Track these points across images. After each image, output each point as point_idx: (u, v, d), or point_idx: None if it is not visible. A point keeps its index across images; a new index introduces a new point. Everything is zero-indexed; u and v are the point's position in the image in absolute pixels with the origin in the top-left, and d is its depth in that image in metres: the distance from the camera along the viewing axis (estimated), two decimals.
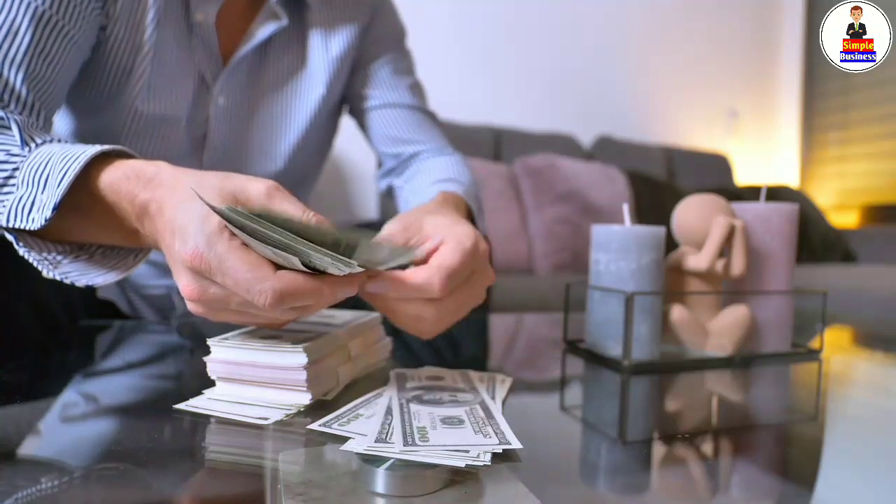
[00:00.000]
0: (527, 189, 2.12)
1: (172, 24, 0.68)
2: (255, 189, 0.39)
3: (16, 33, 0.56)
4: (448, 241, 0.45)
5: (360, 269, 0.36)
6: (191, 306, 0.39)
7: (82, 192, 0.45)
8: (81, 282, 0.48)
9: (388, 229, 0.47)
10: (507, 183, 2.13)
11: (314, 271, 0.36)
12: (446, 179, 0.76)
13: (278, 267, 0.36)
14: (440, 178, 0.76)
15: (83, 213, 0.46)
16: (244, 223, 0.34)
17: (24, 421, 0.40)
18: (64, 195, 0.44)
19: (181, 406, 0.40)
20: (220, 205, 0.37)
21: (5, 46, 0.55)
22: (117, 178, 0.44)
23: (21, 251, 0.47)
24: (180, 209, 0.38)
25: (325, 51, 0.78)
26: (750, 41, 3.13)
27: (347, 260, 0.35)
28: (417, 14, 1.41)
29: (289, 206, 0.39)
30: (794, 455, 0.41)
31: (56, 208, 0.44)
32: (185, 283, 0.37)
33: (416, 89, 0.87)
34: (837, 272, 2.02)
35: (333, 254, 0.35)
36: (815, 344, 0.67)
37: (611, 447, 0.40)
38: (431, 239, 0.46)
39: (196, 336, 0.67)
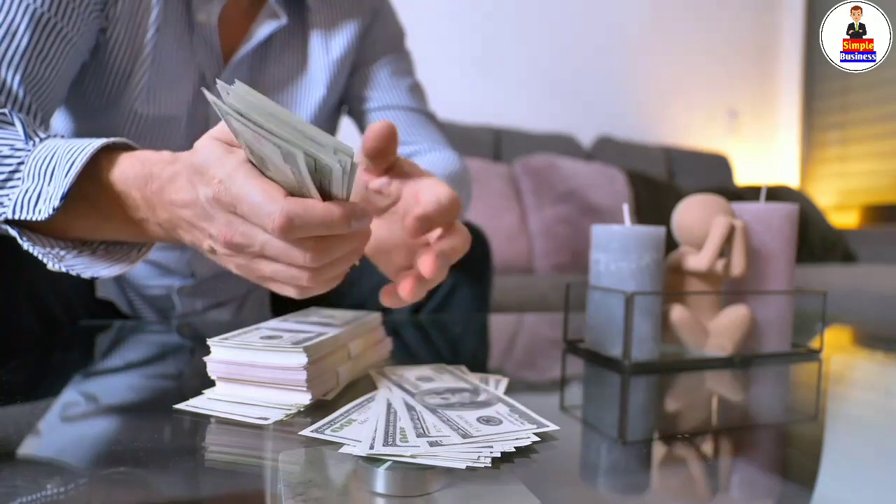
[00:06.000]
0: (527, 189, 2.13)
1: (173, 24, 0.68)
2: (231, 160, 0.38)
3: (14, 35, 0.56)
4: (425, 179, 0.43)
5: (356, 163, 0.35)
6: (225, 261, 0.40)
7: (89, 183, 0.45)
8: (87, 273, 0.49)
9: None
10: (507, 183, 2.13)
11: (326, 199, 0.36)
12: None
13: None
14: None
15: (89, 204, 0.46)
16: (247, 106, 0.32)
17: (24, 421, 0.40)
18: (72, 185, 0.44)
19: (181, 406, 0.40)
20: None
21: (3, 48, 0.55)
22: (126, 169, 0.44)
23: (25, 245, 0.47)
24: (196, 154, 0.38)
25: (326, 53, 0.78)
26: (750, 41, 3.13)
27: (346, 146, 0.34)
28: (418, 14, 1.41)
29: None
30: (794, 455, 0.40)
31: (64, 198, 0.44)
32: (219, 225, 0.38)
33: (416, 90, 0.86)
34: (837, 272, 2.02)
35: (335, 139, 0.34)
36: (815, 344, 0.67)
37: (611, 447, 0.40)
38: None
39: (196, 336, 0.67)
